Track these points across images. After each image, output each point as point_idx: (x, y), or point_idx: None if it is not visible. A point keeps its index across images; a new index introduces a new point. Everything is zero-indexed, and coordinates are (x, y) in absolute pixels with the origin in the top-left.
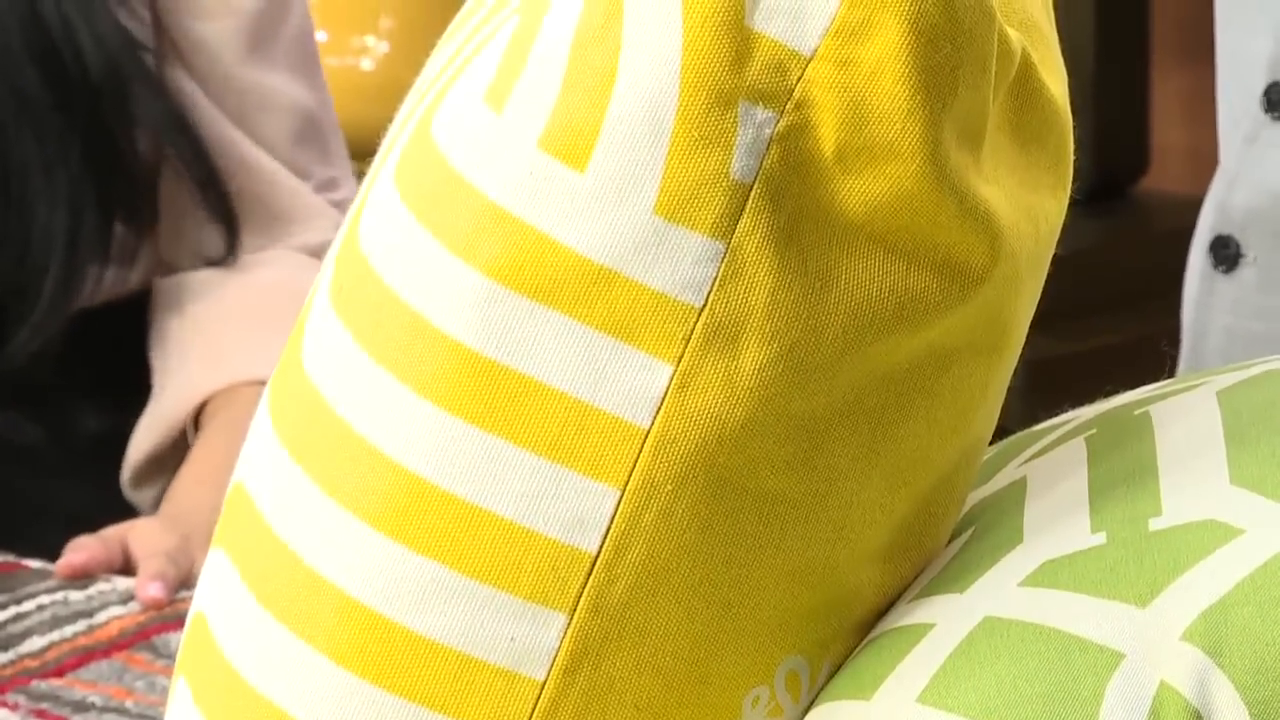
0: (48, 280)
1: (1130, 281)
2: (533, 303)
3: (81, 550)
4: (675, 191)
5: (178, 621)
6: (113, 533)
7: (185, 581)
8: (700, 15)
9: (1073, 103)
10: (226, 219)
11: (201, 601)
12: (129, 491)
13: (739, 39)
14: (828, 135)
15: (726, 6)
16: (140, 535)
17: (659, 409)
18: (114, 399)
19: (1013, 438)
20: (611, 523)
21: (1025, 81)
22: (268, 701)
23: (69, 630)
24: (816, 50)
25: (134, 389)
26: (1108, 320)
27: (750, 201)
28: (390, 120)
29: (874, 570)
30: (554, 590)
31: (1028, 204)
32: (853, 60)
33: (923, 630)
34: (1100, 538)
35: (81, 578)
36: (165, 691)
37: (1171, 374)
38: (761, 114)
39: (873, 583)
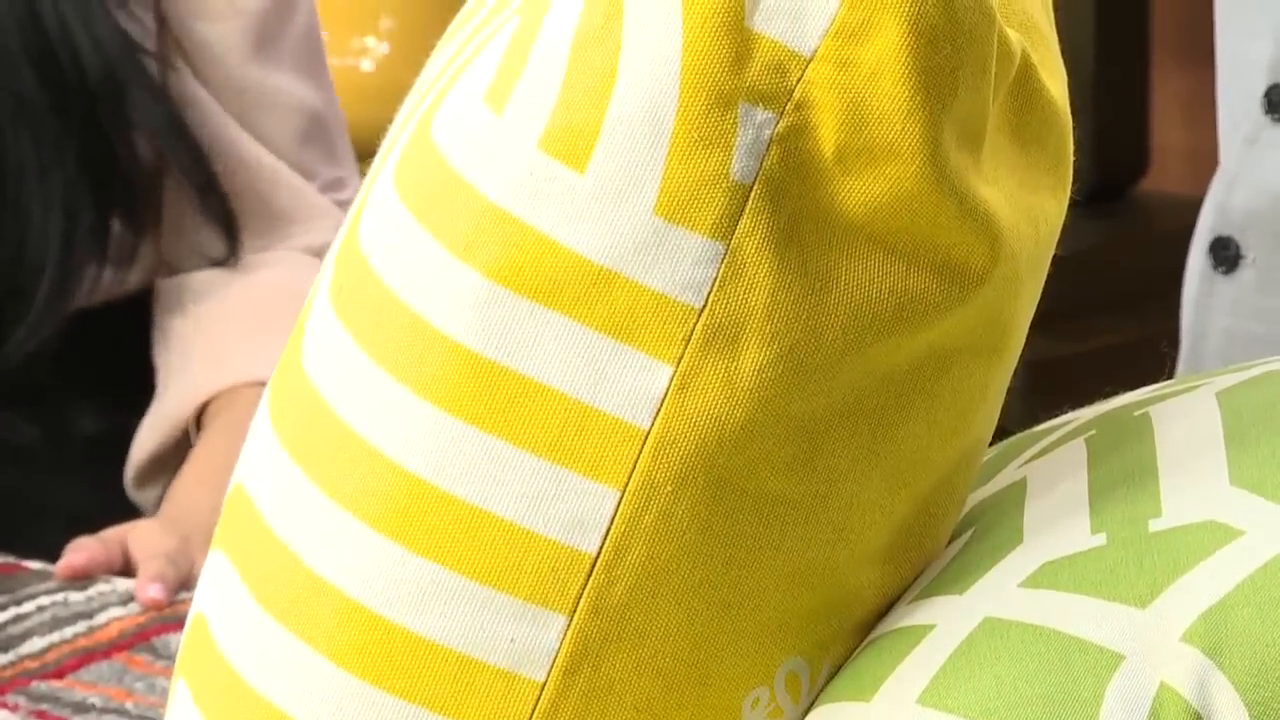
0: (43, 281)
1: (1130, 282)
2: (533, 303)
3: (81, 551)
4: (675, 192)
5: (178, 623)
6: (112, 534)
7: (185, 583)
8: (700, 16)
9: (1073, 103)
10: (226, 223)
11: (201, 603)
12: (132, 491)
13: (739, 40)
14: (828, 136)
15: (726, 7)
16: (140, 536)
17: (659, 410)
18: (113, 399)
19: (1013, 439)
20: (611, 524)
21: (1025, 82)
22: (267, 703)
23: (69, 631)
24: (816, 51)
25: (133, 389)
26: (1107, 321)
27: (750, 202)
28: (390, 121)
29: (874, 571)
30: (554, 591)
31: (1028, 205)
32: (853, 61)
33: (923, 631)
34: (1100, 539)
35: (81, 579)
36: (165, 693)
37: (1171, 375)
38: (761, 115)
39: (873, 584)
